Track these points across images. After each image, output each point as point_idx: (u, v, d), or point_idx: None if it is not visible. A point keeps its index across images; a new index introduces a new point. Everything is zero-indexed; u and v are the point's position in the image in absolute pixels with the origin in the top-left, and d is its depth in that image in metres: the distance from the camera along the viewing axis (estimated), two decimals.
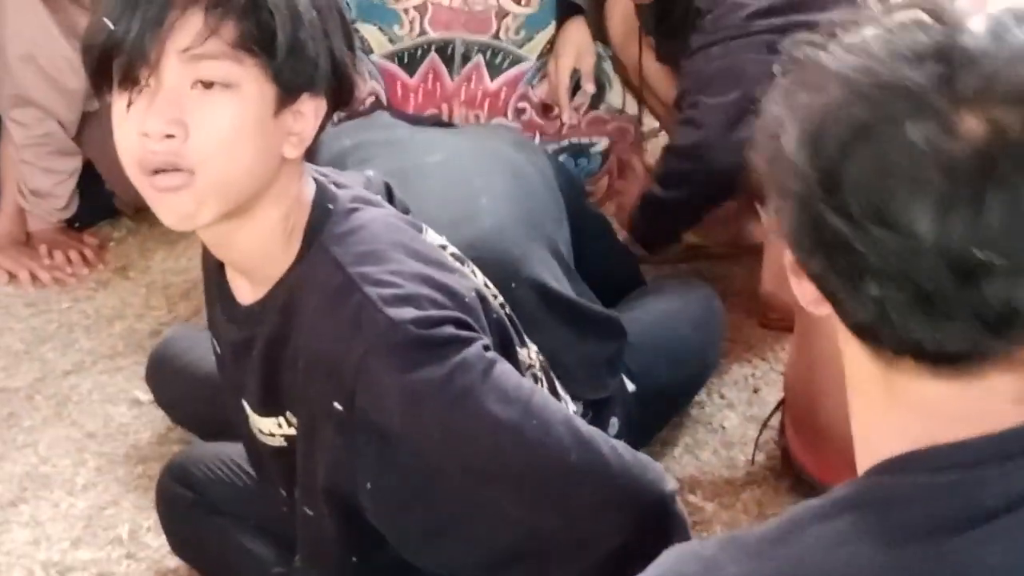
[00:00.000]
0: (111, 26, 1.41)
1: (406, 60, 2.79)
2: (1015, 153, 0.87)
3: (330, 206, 1.55)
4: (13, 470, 2.31)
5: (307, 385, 1.53)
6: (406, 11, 2.76)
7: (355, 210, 1.56)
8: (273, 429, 1.65)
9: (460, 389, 1.46)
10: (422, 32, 2.77)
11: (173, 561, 2.10)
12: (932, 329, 0.90)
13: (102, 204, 3.15)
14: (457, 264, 1.65)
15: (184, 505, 2.03)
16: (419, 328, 1.46)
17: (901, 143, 0.89)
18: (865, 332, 0.95)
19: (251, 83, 1.44)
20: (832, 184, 0.91)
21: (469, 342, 1.49)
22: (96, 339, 2.72)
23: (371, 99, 2.79)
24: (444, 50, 2.79)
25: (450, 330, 1.48)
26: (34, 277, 2.93)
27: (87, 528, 2.18)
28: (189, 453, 2.13)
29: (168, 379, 2.35)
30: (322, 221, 1.54)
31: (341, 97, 1.54)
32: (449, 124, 2.71)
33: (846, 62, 0.94)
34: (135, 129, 1.42)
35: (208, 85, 1.42)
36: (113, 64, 1.43)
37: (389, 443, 1.50)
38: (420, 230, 1.65)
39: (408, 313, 1.46)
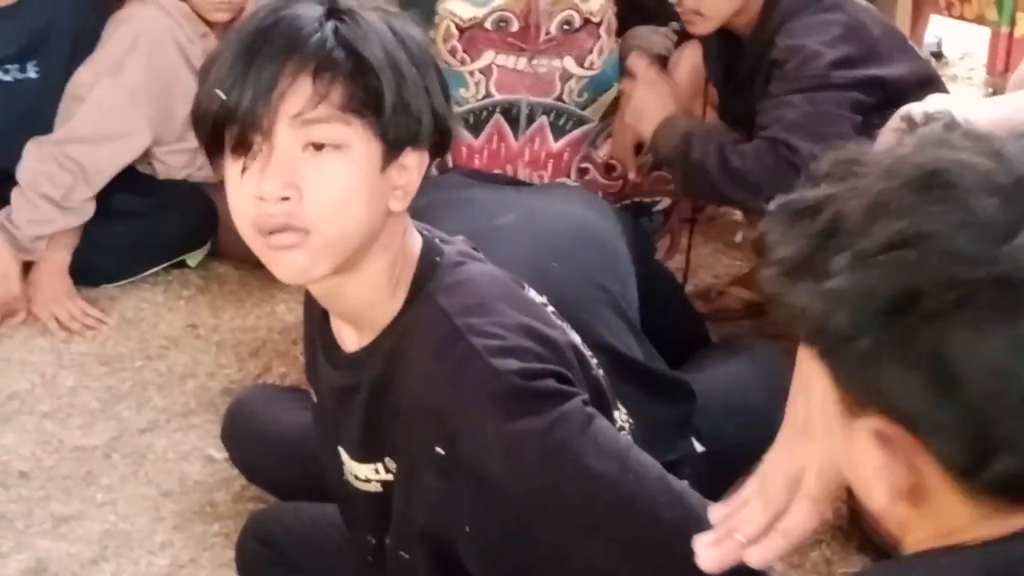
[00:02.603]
0: (223, 96, 1.47)
1: (472, 122, 2.84)
2: None
3: (437, 259, 1.60)
4: (93, 528, 2.36)
5: (409, 430, 1.58)
6: (471, 74, 2.81)
7: (462, 263, 1.62)
8: (370, 475, 1.69)
9: (559, 441, 1.50)
10: (487, 94, 2.83)
11: None
12: None
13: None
14: (558, 321, 1.69)
15: (264, 563, 2.07)
16: (522, 379, 1.50)
17: None
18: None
19: (359, 142, 1.49)
20: None
21: (569, 396, 1.53)
22: (169, 397, 2.77)
23: (436, 160, 2.83)
24: (509, 112, 2.84)
25: (552, 383, 1.53)
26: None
27: None
28: (269, 511, 2.18)
29: (244, 440, 2.39)
30: (430, 272, 1.59)
31: (442, 148, 1.60)
32: (521, 183, 2.76)
33: None
34: (250, 193, 1.48)
35: (319, 147, 1.47)
36: (225, 132, 1.48)
37: (488, 489, 1.53)
38: (522, 287, 1.69)
39: (512, 364, 1.51)
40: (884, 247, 0.94)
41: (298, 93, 1.46)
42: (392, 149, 1.51)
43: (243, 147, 1.48)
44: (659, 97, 2.77)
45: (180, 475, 2.51)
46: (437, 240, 1.65)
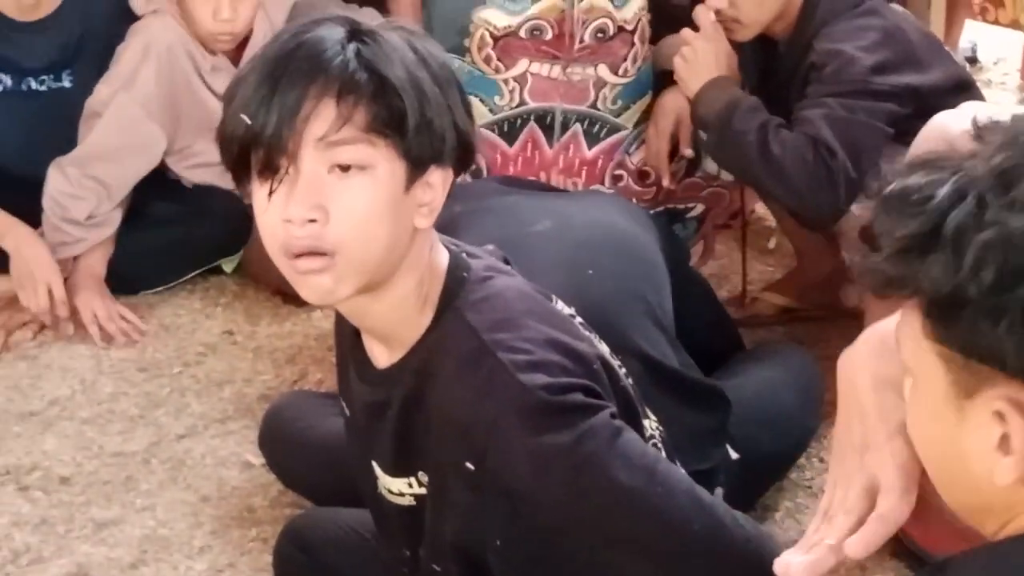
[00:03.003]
0: (248, 121, 1.49)
1: (506, 129, 2.86)
2: None
3: (464, 274, 1.62)
4: (132, 533, 2.38)
5: (440, 445, 1.59)
6: (506, 82, 2.83)
7: (489, 278, 1.63)
8: (403, 489, 1.71)
9: (587, 455, 1.52)
10: (521, 102, 2.84)
11: None
12: None
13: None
14: (586, 333, 1.71)
15: (301, 568, 2.09)
16: (549, 394, 1.52)
17: None
18: None
19: (384, 162, 1.50)
20: None
21: (597, 409, 1.55)
22: (207, 404, 2.80)
23: (471, 167, 2.84)
24: (543, 119, 2.85)
25: (579, 397, 1.54)
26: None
27: None
28: (306, 517, 2.20)
29: (282, 446, 2.41)
30: (457, 288, 1.60)
31: (465, 163, 1.62)
32: (555, 189, 2.77)
33: None
34: (278, 215, 1.50)
35: (344, 168, 1.49)
36: (252, 155, 1.50)
37: (518, 502, 1.56)
38: (550, 300, 1.70)
39: (539, 379, 1.52)
40: None
41: (322, 116, 1.48)
42: (416, 168, 1.53)
43: (269, 170, 1.49)
44: (715, 54, 2.71)
45: (218, 480, 2.54)
46: (464, 254, 1.66)
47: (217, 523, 2.41)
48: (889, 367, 1.29)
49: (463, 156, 1.59)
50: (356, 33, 1.52)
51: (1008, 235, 1.01)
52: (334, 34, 1.51)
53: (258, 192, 1.52)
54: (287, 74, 1.49)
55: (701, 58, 2.72)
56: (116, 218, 3.15)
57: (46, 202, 3.08)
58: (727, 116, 2.62)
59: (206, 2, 3.02)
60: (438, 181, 1.56)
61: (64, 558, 2.32)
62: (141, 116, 3.08)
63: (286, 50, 1.51)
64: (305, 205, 1.48)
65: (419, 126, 1.50)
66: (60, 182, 3.07)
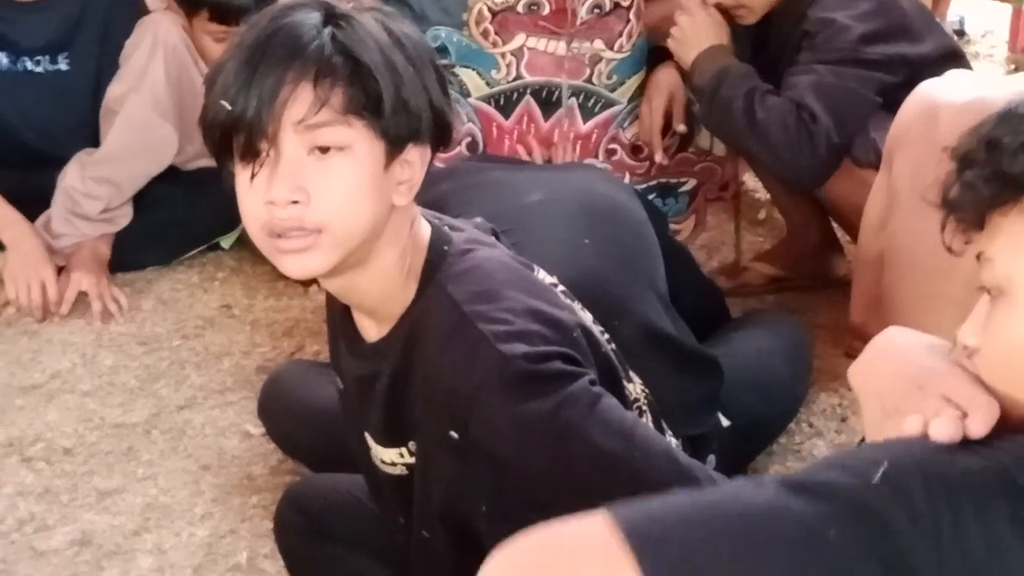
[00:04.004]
0: (228, 106, 1.52)
1: (502, 102, 2.89)
2: None
3: (446, 247, 1.65)
4: (135, 501, 2.43)
5: (426, 415, 1.63)
6: (503, 56, 2.85)
7: (470, 251, 1.66)
8: (395, 459, 1.75)
9: (566, 421, 1.55)
10: (518, 76, 2.87)
11: None
12: None
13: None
14: (567, 301, 1.74)
15: (301, 532, 2.13)
16: (529, 363, 1.55)
17: None
18: None
19: (362, 142, 1.54)
20: None
21: (576, 376, 1.58)
22: (206, 375, 2.84)
23: (467, 139, 2.89)
24: (539, 93, 2.89)
25: (558, 365, 1.57)
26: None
27: (208, 556, 2.28)
28: (305, 483, 2.24)
29: (280, 414, 2.45)
30: (439, 262, 1.64)
31: (442, 140, 1.65)
32: (534, 164, 2.80)
33: None
34: (260, 198, 1.53)
35: (324, 150, 1.53)
36: (233, 140, 1.54)
37: (501, 470, 1.59)
38: (532, 270, 1.74)
39: (519, 349, 1.55)
40: None
41: (300, 100, 1.51)
42: (394, 147, 1.56)
43: (251, 154, 1.53)
44: (705, 26, 2.78)
45: (218, 450, 2.58)
46: (446, 228, 1.70)
47: (218, 491, 2.45)
48: (908, 340, 1.32)
49: (440, 133, 1.63)
50: (331, 17, 1.55)
51: None
52: (310, 19, 1.55)
53: (240, 176, 1.56)
54: (265, 60, 1.52)
55: (688, 34, 2.78)
56: (126, 214, 3.21)
57: (59, 193, 3.14)
58: (716, 83, 2.67)
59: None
60: (416, 158, 1.60)
61: (68, 526, 2.36)
62: (153, 118, 3.13)
63: (264, 36, 1.54)
64: (287, 187, 1.52)
65: (395, 107, 1.54)
66: (75, 179, 3.13)
